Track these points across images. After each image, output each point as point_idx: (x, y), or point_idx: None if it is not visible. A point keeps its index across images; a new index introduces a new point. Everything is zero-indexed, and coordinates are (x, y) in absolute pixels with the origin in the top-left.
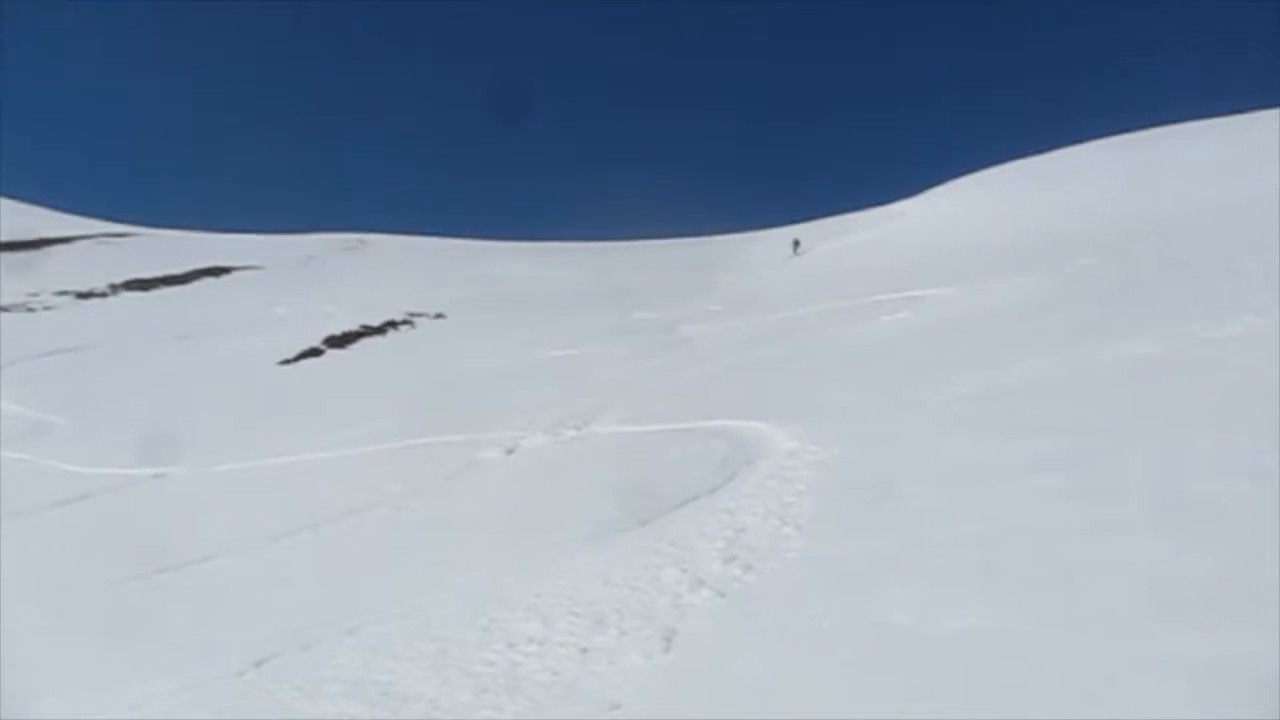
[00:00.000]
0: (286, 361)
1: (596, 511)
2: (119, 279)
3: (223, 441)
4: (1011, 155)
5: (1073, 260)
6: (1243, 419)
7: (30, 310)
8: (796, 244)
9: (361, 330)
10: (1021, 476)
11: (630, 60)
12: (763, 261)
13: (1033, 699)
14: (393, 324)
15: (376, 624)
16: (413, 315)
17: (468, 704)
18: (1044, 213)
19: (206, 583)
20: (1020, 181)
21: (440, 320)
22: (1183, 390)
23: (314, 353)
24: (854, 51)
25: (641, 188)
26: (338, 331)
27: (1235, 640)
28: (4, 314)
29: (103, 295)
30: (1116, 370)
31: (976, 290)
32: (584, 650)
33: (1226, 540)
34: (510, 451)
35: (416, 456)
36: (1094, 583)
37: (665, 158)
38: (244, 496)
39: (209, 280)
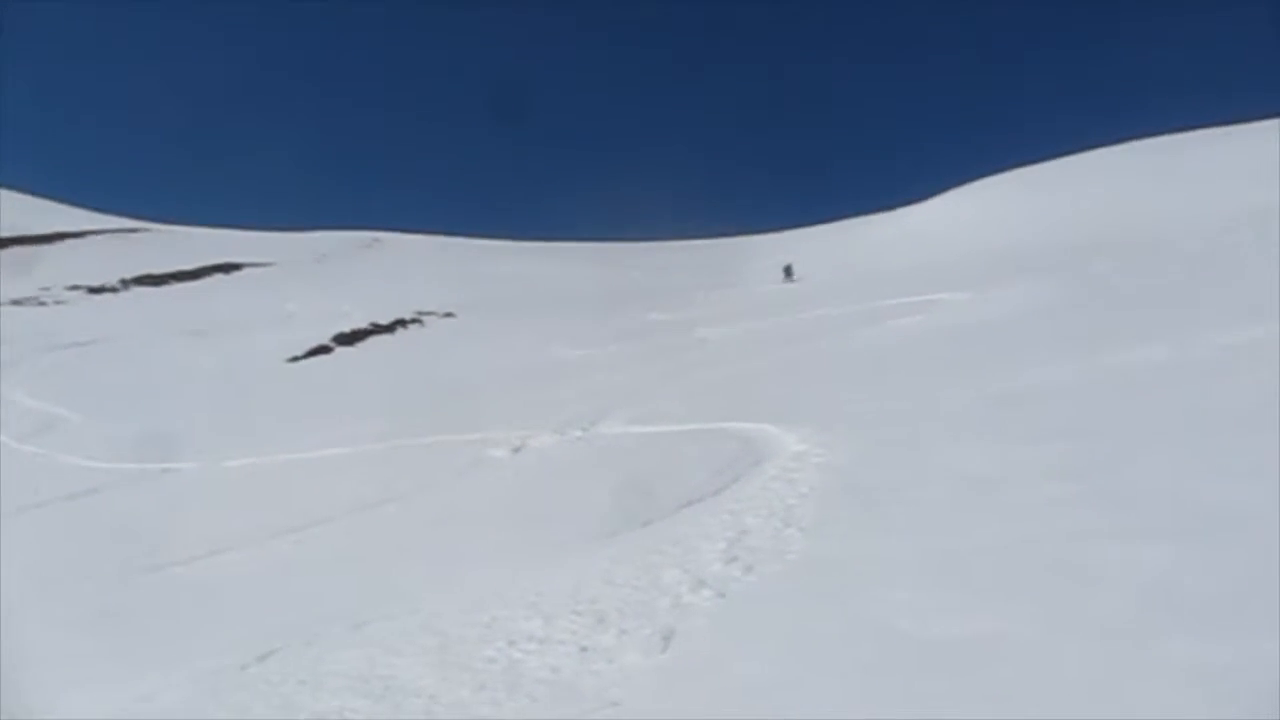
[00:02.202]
0: (296, 358)
1: (601, 511)
2: (131, 274)
3: (232, 437)
4: (1024, 160)
5: (1086, 266)
6: (1256, 426)
7: (42, 304)
8: (789, 270)
9: (371, 328)
10: (1031, 482)
11: (644, 57)
12: (769, 267)
13: (1033, 704)
14: (403, 323)
15: (381, 619)
16: (423, 314)
17: (467, 700)
18: (1056, 218)
19: (214, 577)
20: (1033, 186)
21: (450, 319)
22: (1195, 397)
23: (323, 350)
24: (868, 53)
25: (655, 189)
26: (348, 329)
27: (1244, 648)
28: (16, 308)
29: (114, 290)
30: (1129, 376)
31: (989, 295)
32: (584, 649)
33: (1237, 548)
34: (518, 450)
35: (424, 454)
36: (1102, 589)
37: (676, 159)
38: (252, 492)
39: (220, 277)
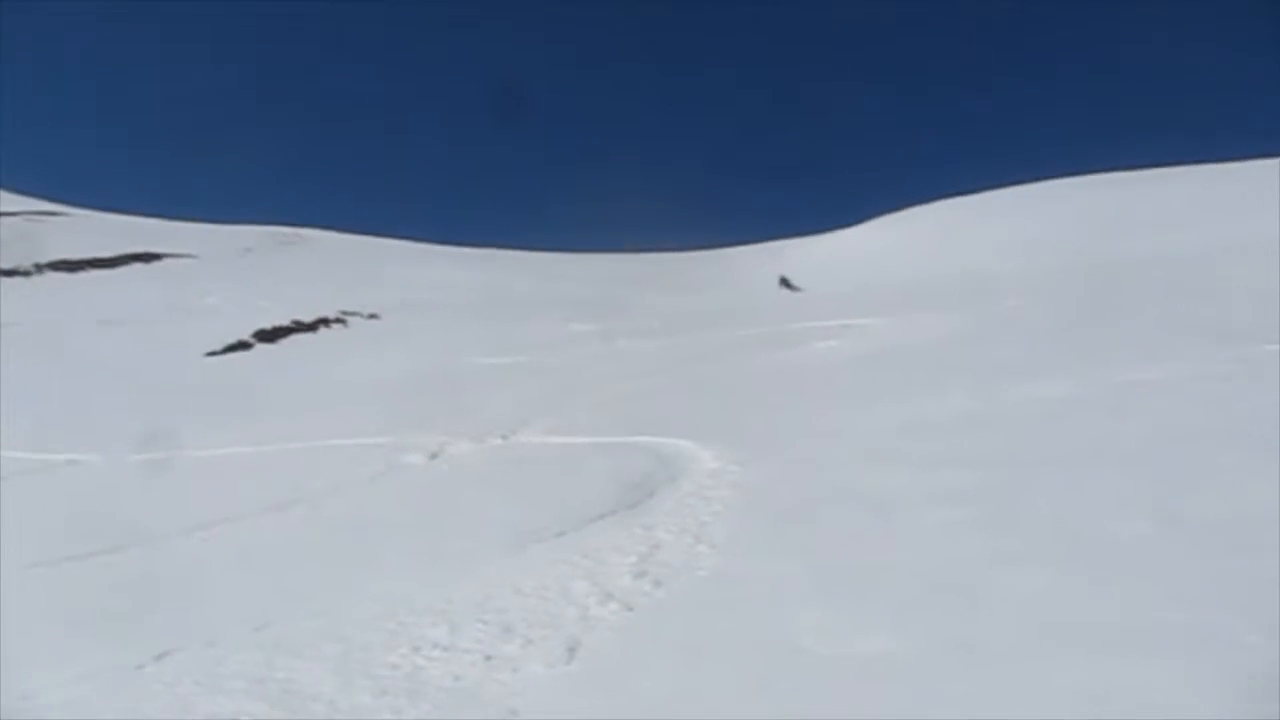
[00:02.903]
0: (214, 353)
1: (515, 520)
2: (45, 259)
3: (141, 430)
4: (964, 189)
5: (1004, 299)
6: (1149, 462)
7: None
8: (785, 282)
9: (293, 326)
10: (932, 507)
11: (602, 64)
12: (707, 281)
13: None
14: (325, 321)
15: (284, 622)
16: (346, 314)
17: (368, 705)
18: (982, 249)
19: (112, 574)
20: (962, 217)
21: (374, 321)
22: (1093, 431)
23: (243, 346)
24: (819, 73)
25: (598, 200)
26: (269, 326)
27: (1128, 673)
28: None
29: (26, 274)
30: (1031, 409)
31: (906, 323)
32: (488, 657)
33: (1122, 577)
34: (434, 456)
35: (339, 457)
36: (995, 612)
37: (621, 172)
38: (159, 487)
39: (139, 266)
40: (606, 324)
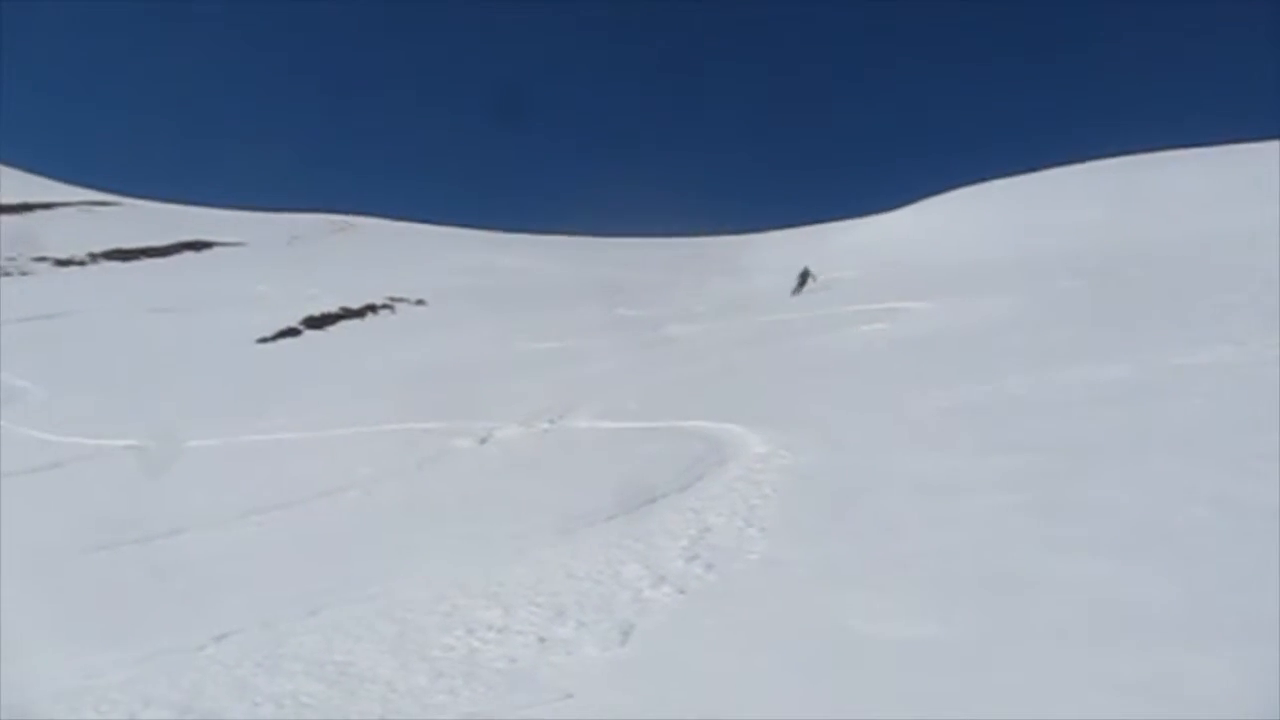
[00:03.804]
0: (264, 340)
1: (565, 504)
2: (100, 248)
3: (196, 416)
4: (1006, 171)
5: (1054, 281)
6: (1206, 447)
7: (6, 275)
8: (806, 276)
9: (341, 313)
10: (985, 493)
11: (633, 54)
12: (750, 266)
13: (971, 709)
14: (373, 308)
15: (340, 605)
16: (394, 300)
17: (424, 687)
18: (1030, 232)
19: (174, 557)
20: (1009, 200)
21: (421, 307)
22: (1150, 416)
23: (292, 333)
24: (855, 55)
25: (636, 185)
26: (317, 313)
27: (1177, 662)
28: None
29: (81, 264)
30: (1086, 393)
31: (955, 306)
32: (542, 640)
33: (1178, 565)
34: (483, 441)
35: (390, 442)
36: (1046, 599)
37: (660, 158)
38: (215, 473)
39: (190, 254)
40: (654, 309)
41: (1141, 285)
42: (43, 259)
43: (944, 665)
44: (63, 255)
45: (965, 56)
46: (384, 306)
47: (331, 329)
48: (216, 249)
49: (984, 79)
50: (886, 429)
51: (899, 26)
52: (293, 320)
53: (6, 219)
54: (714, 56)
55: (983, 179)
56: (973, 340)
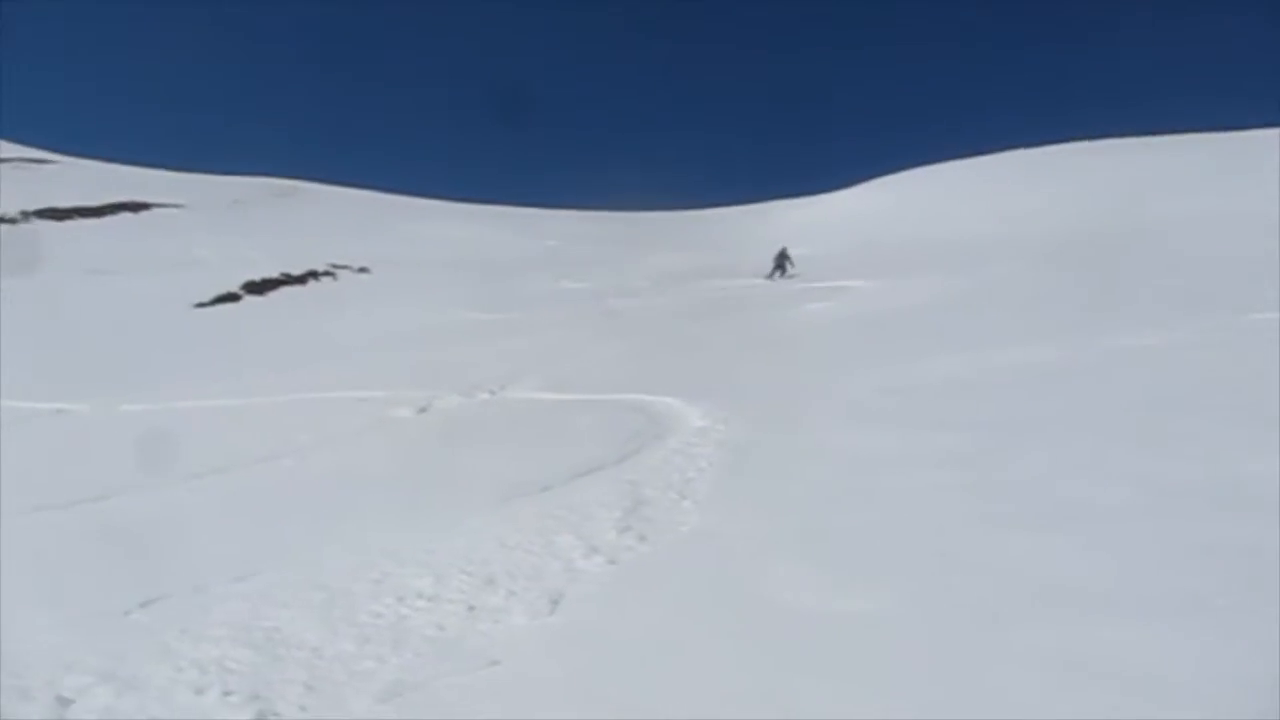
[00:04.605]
0: (202, 305)
1: (502, 474)
2: (32, 206)
3: (130, 381)
4: (956, 154)
5: (996, 264)
6: (1130, 428)
7: None
8: (784, 258)
9: (282, 278)
10: (916, 469)
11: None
12: (697, 241)
13: (894, 679)
14: (315, 275)
15: (271, 571)
16: (336, 267)
17: (351, 654)
18: (976, 214)
19: (103, 521)
20: (958, 181)
21: (364, 274)
22: (1077, 397)
23: (231, 298)
24: (810, 36)
25: (585, 159)
26: (257, 278)
27: (1101, 636)
28: None
29: (13, 222)
30: (1019, 374)
31: (898, 286)
32: (471, 608)
33: (1102, 541)
34: (423, 410)
35: (328, 409)
36: (973, 573)
37: (608, 132)
38: (147, 437)
39: (128, 215)
40: (598, 282)
41: (1081, 269)
42: None
43: (869, 637)
44: None
45: (915, 38)
46: (326, 274)
47: (272, 295)
48: (155, 210)
49: (936, 61)
50: (823, 405)
51: (854, 8)
52: (232, 285)
53: None
54: (664, 35)
55: (932, 160)
56: (913, 320)
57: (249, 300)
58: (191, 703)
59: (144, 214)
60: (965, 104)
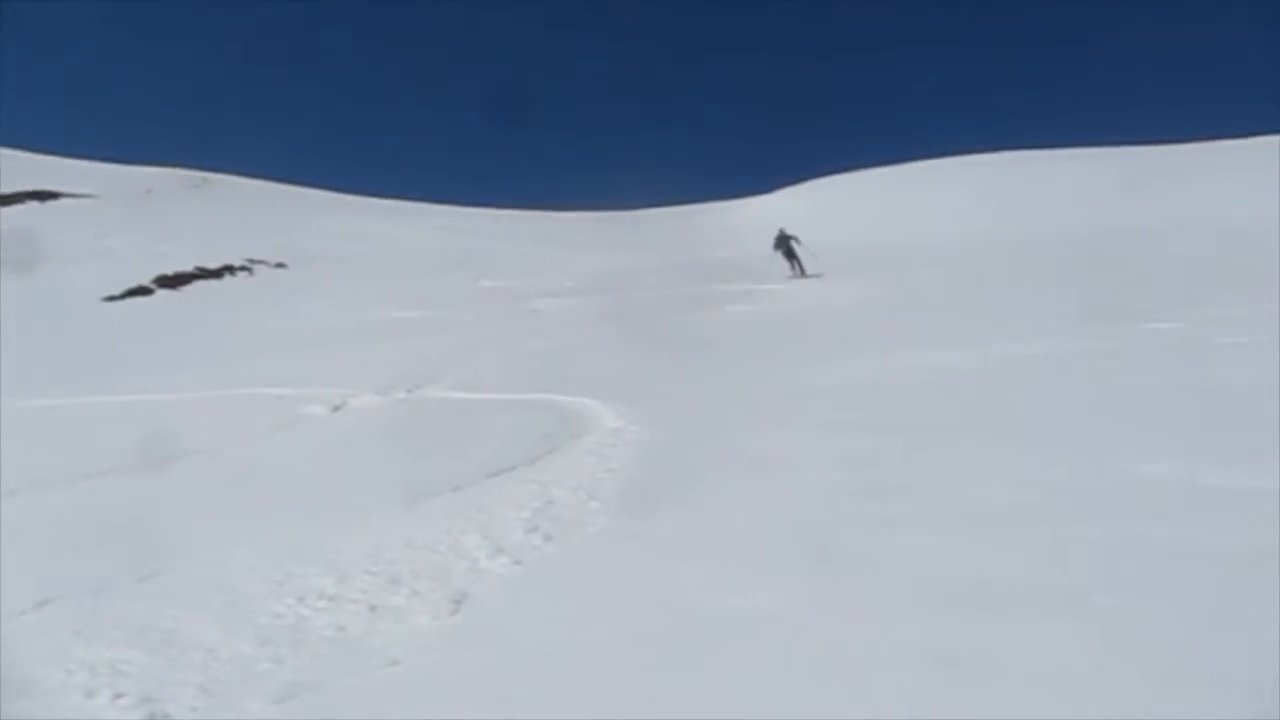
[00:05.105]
0: (112, 298)
1: (413, 474)
2: None
3: (32, 375)
4: (879, 161)
5: (913, 269)
6: (1032, 432)
7: None
8: (789, 241)
9: (196, 273)
10: (821, 471)
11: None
12: (620, 243)
13: (790, 675)
14: (230, 269)
15: (172, 572)
16: (253, 262)
17: (248, 655)
18: (897, 220)
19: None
20: (882, 188)
21: (281, 270)
22: (981, 402)
23: (143, 291)
24: (735, 39)
25: (511, 159)
26: (170, 272)
27: (979, 632)
28: None
29: None
30: (924, 378)
31: (816, 290)
32: (374, 608)
33: (992, 541)
34: (337, 409)
35: (240, 407)
36: (872, 573)
37: (534, 131)
38: (52, 434)
39: (35, 205)
40: (518, 281)
41: (994, 276)
42: None
43: (768, 635)
44: None
45: (836, 46)
46: (242, 268)
47: (185, 289)
48: (64, 200)
49: (857, 69)
50: (736, 407)
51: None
52: (144, 278)
53: None
54: (591, 36)
55: (855, 167)
56: (827, 324)
57: (161, 294)
58: (80, 705)
59: (52, 203)
60: (882, 113)
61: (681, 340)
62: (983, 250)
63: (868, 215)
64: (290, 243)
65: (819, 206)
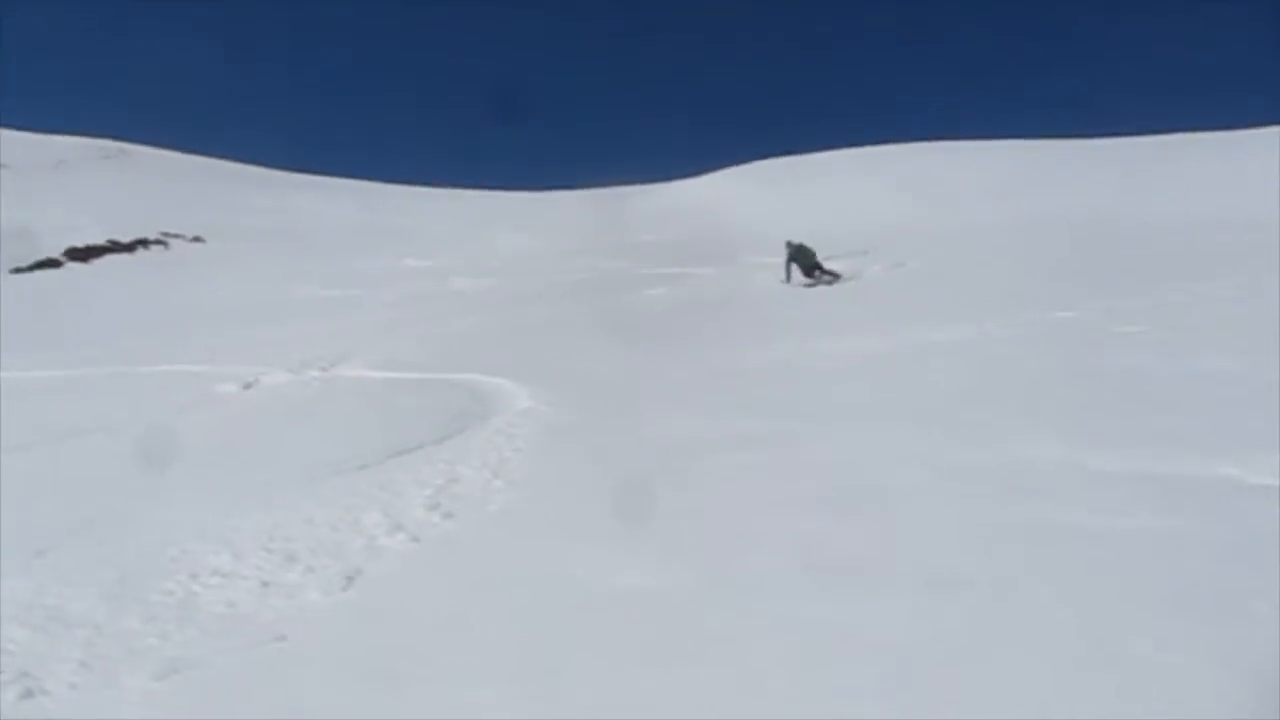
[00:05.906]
0: (19, 270)
1: (320, 453)
2: None
3: None
4: (809, 148)
5: (844, 257)
6: (931, 414)
7: None
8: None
9: (109, 245)
10: (727, 451)
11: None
12: (544, 224)
13: (681, 651)
14: (144, 243)
15: (65, 549)
16: (168, 236)
17: (134, 630)
18: (823, 207)
19: None
20: (809, 174)
21: (198, 244)
22: (889, 385)
23: (52, 264)
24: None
25: (438, 137)
26: (81, 244)
27: (869, 610)
28: None
29: None
30: (836, 363)
31: (737, 274)
32: (266, 584)
33: (885, 520)
34: (248, 387)
35: (150, 385)
36: (763, 551)
37: (464, 110)
38: None
39: None
40: (441, 260)
41: (910, 265)
42: None
43: (658, 612)
44: None
45: (766, 36)
46: (157, 242)
47: (96, 262)
48: None
49: (783, 58)
50: (649, 388)
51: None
52: (53, 251)
53: None
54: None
55: (785, 153)
56: (746, 308)
57: (71, 267)
58: None
59: None
60: (813, 101)
61: (601, 321)
62: (905, 238)
63: (795, 200)
64: (211, 218)
65: (750, 189)
